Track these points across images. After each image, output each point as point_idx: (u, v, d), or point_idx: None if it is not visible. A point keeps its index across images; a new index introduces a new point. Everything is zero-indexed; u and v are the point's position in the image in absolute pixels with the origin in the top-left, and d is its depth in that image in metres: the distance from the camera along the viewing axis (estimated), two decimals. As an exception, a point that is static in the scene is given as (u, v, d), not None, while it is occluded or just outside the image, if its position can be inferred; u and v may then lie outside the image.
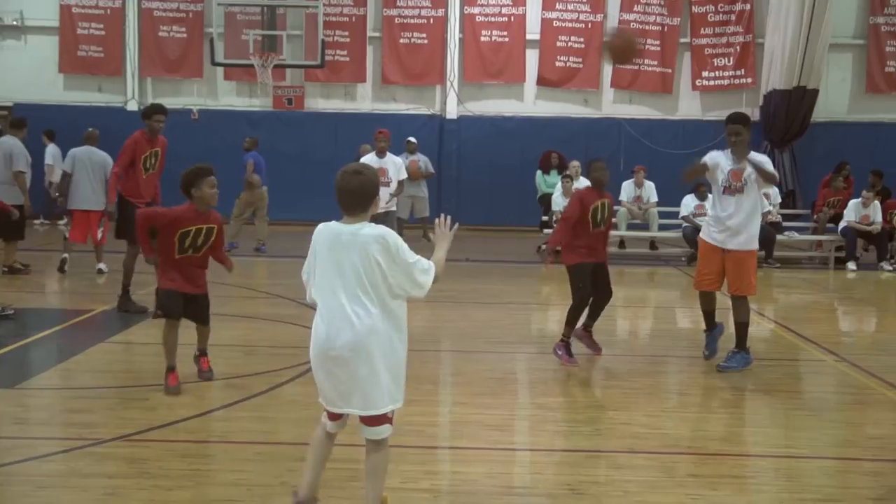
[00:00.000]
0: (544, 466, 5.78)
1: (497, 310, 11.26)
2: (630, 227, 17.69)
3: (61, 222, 19.00)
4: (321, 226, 4.45)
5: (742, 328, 8.26)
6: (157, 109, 10.47)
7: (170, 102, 21.46)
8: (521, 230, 20.04)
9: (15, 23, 21.33)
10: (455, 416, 6.77)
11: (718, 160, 8.20)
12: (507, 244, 18.85)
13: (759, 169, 7.95)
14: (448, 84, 21.82)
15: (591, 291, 8.43)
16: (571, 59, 21.86)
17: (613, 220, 10.05)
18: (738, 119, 8.19)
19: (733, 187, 8.12)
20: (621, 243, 17.92)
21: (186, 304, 7.16)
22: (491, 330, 9.95)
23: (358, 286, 4.26)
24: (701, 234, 8.53)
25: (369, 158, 12.62)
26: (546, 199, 17.36)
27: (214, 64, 19.60)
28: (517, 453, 6.16)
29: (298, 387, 7.32)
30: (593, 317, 8.68)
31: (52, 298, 11.90)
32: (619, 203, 17.32)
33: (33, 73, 21.30)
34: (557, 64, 21.87)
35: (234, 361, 8.37)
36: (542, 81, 21.96)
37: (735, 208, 8.12)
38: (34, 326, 9.45)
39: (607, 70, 21.86)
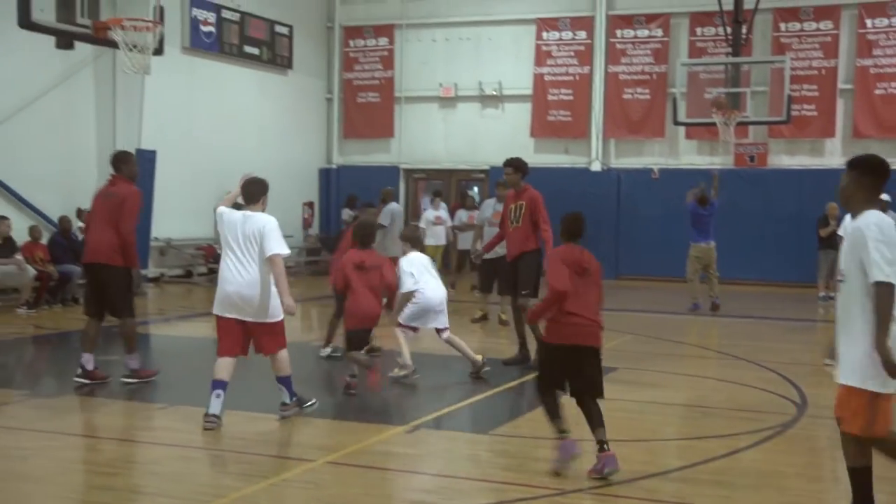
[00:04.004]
0: None
1: None
2: None
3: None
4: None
5: None
6: (505, 163, 10.51)
7: (631, 162, 22.22)
8: None
9: (494, 93, 23.17)
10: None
11: None
12: None
13: None
14: (928, 134, 20.13)
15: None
16: None
17: None
18: None
19: None
20: None
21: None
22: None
23: None
24: None
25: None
26: None
27: (677, 123, 19.79)
28: None
29: (759, 453, 7.11)
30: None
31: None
32: None
33: (508, 138, 22.89)
34: None
35: (690, 422, 8.34)
36: None
37: None
38: (506, 375, 10.06)
39: None
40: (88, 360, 9.09)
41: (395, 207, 16.71)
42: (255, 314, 7.50)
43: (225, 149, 20.63)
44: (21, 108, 16.19)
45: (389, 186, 18.92)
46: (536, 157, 22.69)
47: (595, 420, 6.30)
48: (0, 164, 15.82)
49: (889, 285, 4.79)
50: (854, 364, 4.95)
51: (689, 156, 21.97)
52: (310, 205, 24.01)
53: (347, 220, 19.41)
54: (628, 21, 22.17)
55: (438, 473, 6.73)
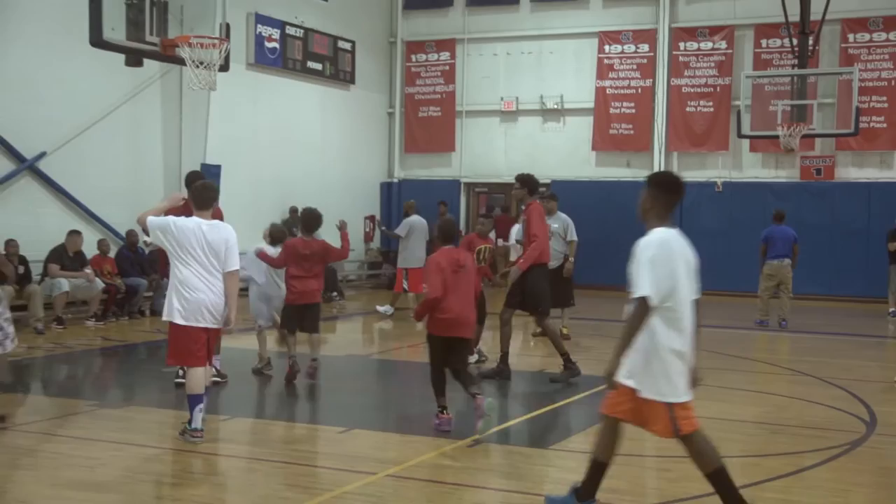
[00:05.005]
0: None
1: None
2: None
3: None
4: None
5: None
6: (515, 178, 10.51)
7: (694, 175, 21.97)
8: None
9: (555, 106, 23.12)
10: None
11: None
12: None
13: None
14: None
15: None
16: None
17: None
18: None
19: None
20: None
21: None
22: None
23: None
24: None
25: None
26: None
27: (741, 136, 19.58)
28: None
29: (827, 472, 6.97)
30: None
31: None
32: None
33: (569, 151, 22.85)
34: None
35: (756, 439, 8.20)
36: None
37: None
38: (567, 391, 10.01)
39: None
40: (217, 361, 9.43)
41: (416, 220, 17.22)
42: (219, 321, 7.49)
43: (288, 163, 20.87)
44: (90, 124, 16.51)
45: (412, 200, 19.18)
46: (598, 171, 22.67)
47: (469, 381, 7.84)
48: (70, 179, 16.14)
49: (643, 302, 5.09)
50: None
51: (754, 169, 21.70)
52: (371, 218, 24.15)
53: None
54: (692, 33, 22.00)
55: (499, 488, 6.70)
